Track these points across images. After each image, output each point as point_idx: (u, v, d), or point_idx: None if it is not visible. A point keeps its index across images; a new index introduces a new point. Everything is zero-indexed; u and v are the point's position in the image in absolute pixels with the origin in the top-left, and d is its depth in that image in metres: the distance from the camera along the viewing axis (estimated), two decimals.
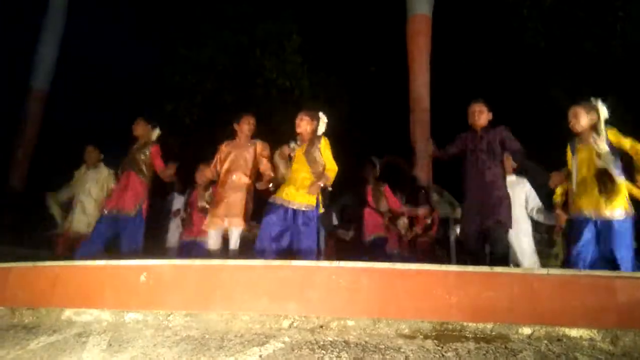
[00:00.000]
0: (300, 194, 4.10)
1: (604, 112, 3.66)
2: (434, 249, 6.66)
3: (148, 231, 5.07)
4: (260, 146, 4.59)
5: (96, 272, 3.46)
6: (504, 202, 4.09)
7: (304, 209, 4.08)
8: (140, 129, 5.08)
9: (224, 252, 4.48)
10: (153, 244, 6.11)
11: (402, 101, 8.25)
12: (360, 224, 5.69)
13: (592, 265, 3.49)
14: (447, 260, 7.19)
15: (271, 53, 10.73)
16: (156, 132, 5.16)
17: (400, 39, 8.42)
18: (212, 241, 4.48)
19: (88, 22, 12.85)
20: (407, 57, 8.04)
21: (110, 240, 4.73)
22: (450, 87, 9.82)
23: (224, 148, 4.66)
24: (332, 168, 4.19)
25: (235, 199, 4.39)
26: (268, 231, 4.04)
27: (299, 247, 4.02)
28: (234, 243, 4.38)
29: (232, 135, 4.75)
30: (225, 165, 4.55)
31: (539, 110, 9.64)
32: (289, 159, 4.38)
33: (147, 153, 4.94)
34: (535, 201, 4.76)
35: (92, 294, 3.35)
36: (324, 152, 4.22)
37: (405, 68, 8.08)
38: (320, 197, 4.21)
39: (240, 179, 4.42)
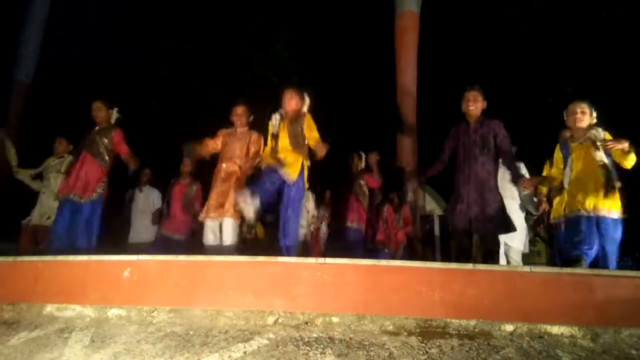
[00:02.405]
0: (286, 165, 4.04)
1: (594, 115, 3.82)
2: (412, 242, 6.73)
3: (110, 224, 4.91)
4: (254, 138, 4.54)
5: (79, 267, 3.41)
6: (498, 206, 3.95)
7: (286, 178, 4.01)
8: (101, 112, 4.71)
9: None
10: (115, 237, 6.06)
11: (389, 97, 8.27)
12: (343, 211, 5.72)
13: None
14: (431, 257, 7.26)
15: (260, 48, 10.67)
16: (115, 114, 4.84)
17: (388, 35, 8.44)
18: (209, 233, 4.35)
19: (73, 14, 12.63)
20: (395, 54, 8.06)
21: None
22: (437, 83, 9.88)
23: (223, 135, 4.60)
24: (316, 137, 4.11)
25: (225, 189, 4.33)
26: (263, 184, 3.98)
27: (285, 218, 4.02)
28: (228, 236, 4.25)
29: (230, 125, 4.67)
30: (220, 155, 4.52)
31: (524, 107, 9.75)
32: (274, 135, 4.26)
33: (109, 138, 4.62)
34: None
35: (74, 290, 3.31)
36: (309, 127, 4.15)
37: (393, 64, 8.10)
38: (305, 173, 4.17)
39: (229, 167, 4.39)
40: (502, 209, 3.96)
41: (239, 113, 4.59)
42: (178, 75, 10.94)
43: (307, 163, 4.20)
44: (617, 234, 3.56)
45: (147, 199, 6.44)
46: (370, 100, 11.29)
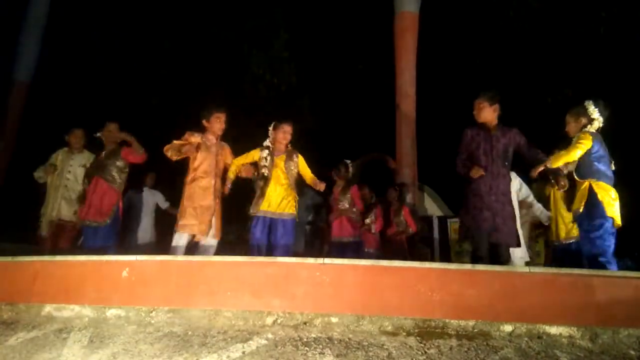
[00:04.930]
0: (282, 204, 4.24)
1: (594, 114, 3.68)
2: (413, 245, 6.67)
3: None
4: (227, 151, 4.39)
5: (77, 268, 3.41)
6: (514, 219, 3.96)
7: (285, 217, 4.22)
8: (114, 134, 4.74)
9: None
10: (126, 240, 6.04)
11: (388, 98, 8.28)
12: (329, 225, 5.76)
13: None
14: (430, 258, 7.24)
15: (259, 49, 10.66)
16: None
17: (387, 36, 8.44)
18: (181, 243, 4.09)
19: (72, 14, 12.61)
20: (394, 54, 8.06)
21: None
22: (436, 84, 9.88)
23: (199, 142, 4.23)
24: (311, 175, 4.44)
25: (206, 205, 4.10)
26: (256, 249, 4.16)
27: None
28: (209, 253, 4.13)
29: (201, 129, 4.34)
30: (195, 164, 4.19)
31: (524, 108, 9.75)
32: (265, 169, 4.32)
33: (119, 157, 4.67)
34: (528, 191, 4.89)
35: (73, 290, 3.31)
36: (303, 167, 4.42)
37: (392, 65, 8.10)
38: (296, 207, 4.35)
39: (211, 183, 4.16)
40: (516, 222, 4.00)
41: (224, 121, 4.33)
42: (177, 76, 10.92)
43: (297, 198, 4.40)
44: (582, 224, 3.63)
45: (148, 201, 6.41)
46: (370, 101, 11.29)
